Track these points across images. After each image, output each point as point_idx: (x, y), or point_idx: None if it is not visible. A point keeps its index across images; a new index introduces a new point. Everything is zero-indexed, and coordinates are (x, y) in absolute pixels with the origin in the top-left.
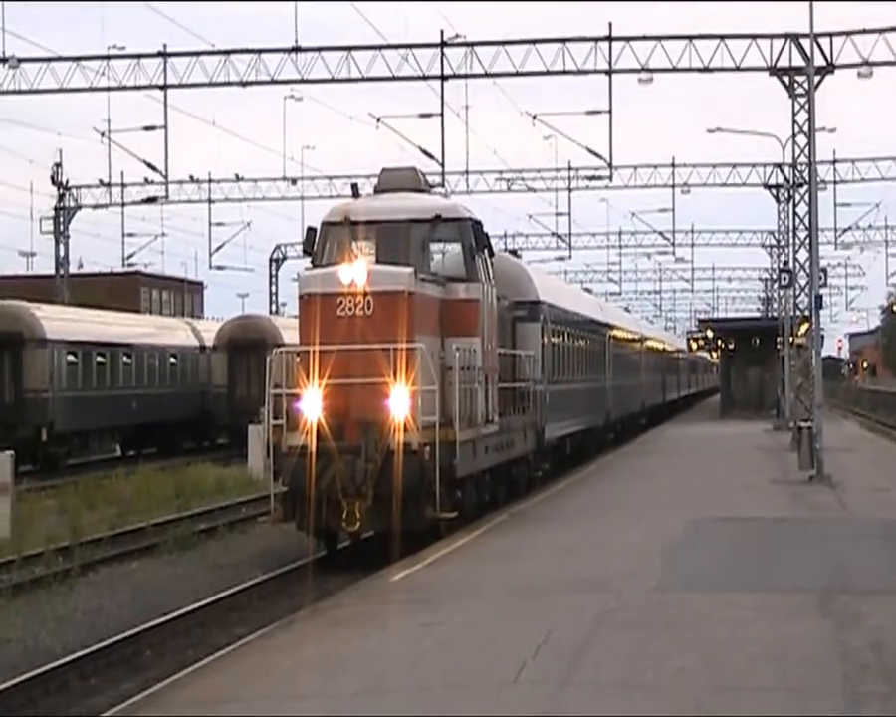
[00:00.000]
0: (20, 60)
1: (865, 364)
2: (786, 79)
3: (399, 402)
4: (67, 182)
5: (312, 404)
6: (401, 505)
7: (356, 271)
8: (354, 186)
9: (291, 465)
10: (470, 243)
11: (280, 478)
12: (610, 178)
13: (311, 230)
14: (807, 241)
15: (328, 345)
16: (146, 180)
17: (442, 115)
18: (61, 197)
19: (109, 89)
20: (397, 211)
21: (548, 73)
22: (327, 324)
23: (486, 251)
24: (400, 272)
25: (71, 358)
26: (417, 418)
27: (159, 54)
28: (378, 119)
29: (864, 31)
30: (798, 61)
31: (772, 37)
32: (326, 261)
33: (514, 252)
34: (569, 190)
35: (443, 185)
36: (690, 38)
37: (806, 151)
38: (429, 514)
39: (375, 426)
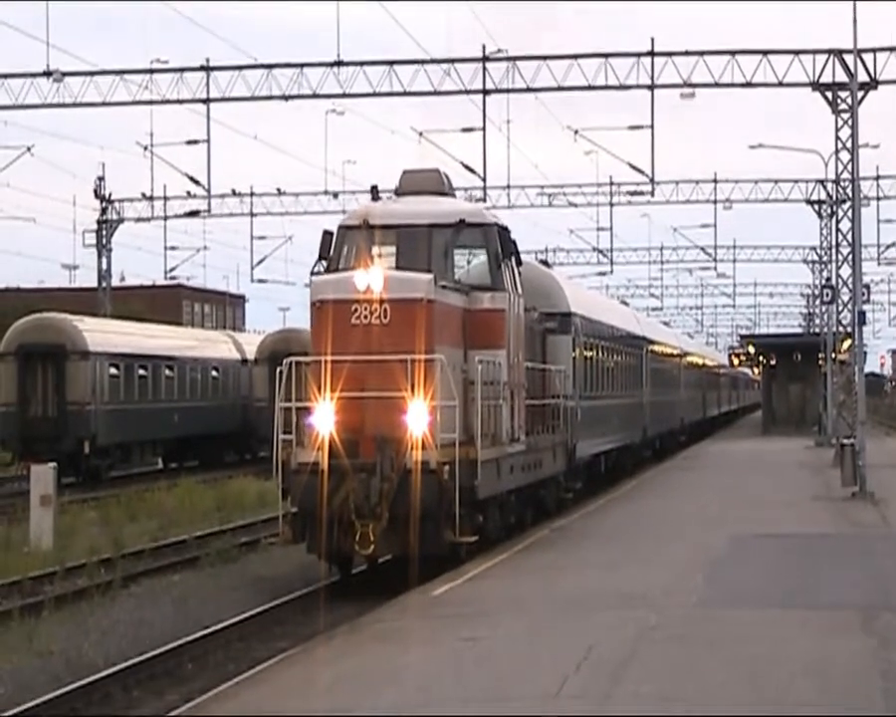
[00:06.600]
0: (64, 74)
1: None
2: (829, 94)
3: (417, 418)
4: (110, 195)
5: (324, 418)
6: (418, 527)
7: (372, 277)
8: (374, 188)
9: (301, 483)
10: (496, 250)
11: (289, 497)
12: (652, 193)
13: (327, 233)
14: (850, 257)
15: (341, 355)
16: (189, 194)
17: (484, 129)
18: (104, 210)
19: (151, 102)
20: (418, 215)
21: (590, 88)
22: (340, 333)
23: (513, 259)
24: (419, 278)
25: (113, 370)
26: (436, 435)
27: (202, 68)
28: (420, 134)
29: None
30: (842, 76)
31: (815, 52)
32: (342, 266)
33: (545, 261)
34: (611, 205)
35: (485, 199)
36: (732, 53)
37: (849, 167)
38: (448, 537)
39: (391, 443)
